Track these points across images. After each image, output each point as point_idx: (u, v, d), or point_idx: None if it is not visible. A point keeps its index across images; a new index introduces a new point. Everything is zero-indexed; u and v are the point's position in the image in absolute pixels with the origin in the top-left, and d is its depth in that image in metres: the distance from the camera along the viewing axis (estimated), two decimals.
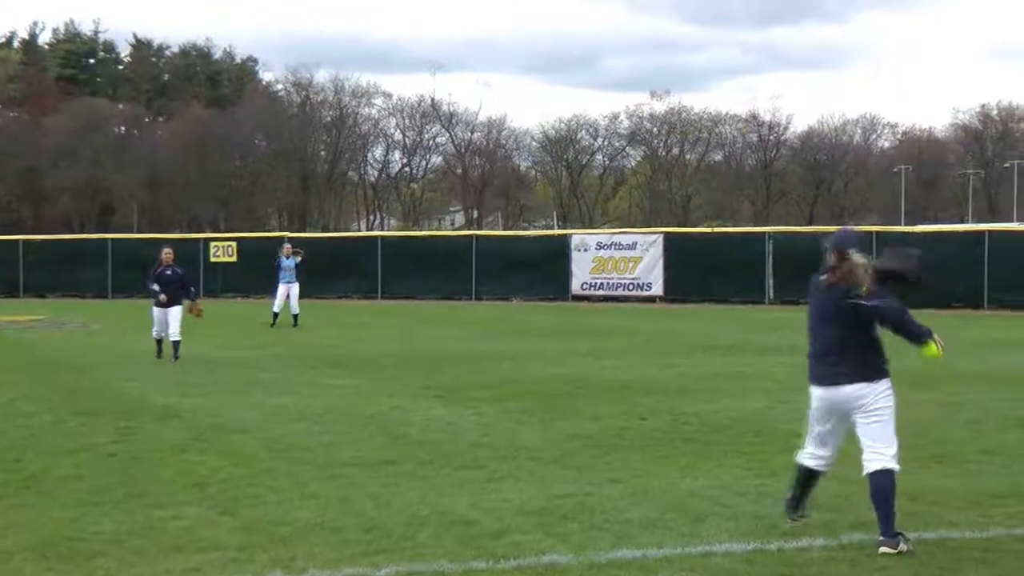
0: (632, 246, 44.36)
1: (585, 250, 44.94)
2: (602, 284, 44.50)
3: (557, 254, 45.37)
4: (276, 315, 30.08)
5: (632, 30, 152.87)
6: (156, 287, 22.00)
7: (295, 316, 30.00)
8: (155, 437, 12.31)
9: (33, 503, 9.15)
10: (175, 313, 21.80)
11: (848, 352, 7.88)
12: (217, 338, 26.53)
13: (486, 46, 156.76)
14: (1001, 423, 13.20)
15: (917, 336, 8.08)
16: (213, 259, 48.67)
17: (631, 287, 43.93)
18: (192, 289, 22.79)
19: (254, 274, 43.81)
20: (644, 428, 12.87)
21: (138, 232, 76.35)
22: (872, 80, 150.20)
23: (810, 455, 8.22)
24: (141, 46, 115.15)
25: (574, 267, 44.83)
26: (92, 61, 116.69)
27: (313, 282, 43.43)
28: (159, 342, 22.01)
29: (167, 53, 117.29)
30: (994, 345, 24.16)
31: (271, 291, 31.49)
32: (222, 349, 23.70)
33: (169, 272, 22.20)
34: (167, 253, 22.52)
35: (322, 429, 12.81)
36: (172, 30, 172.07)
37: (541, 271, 44.98)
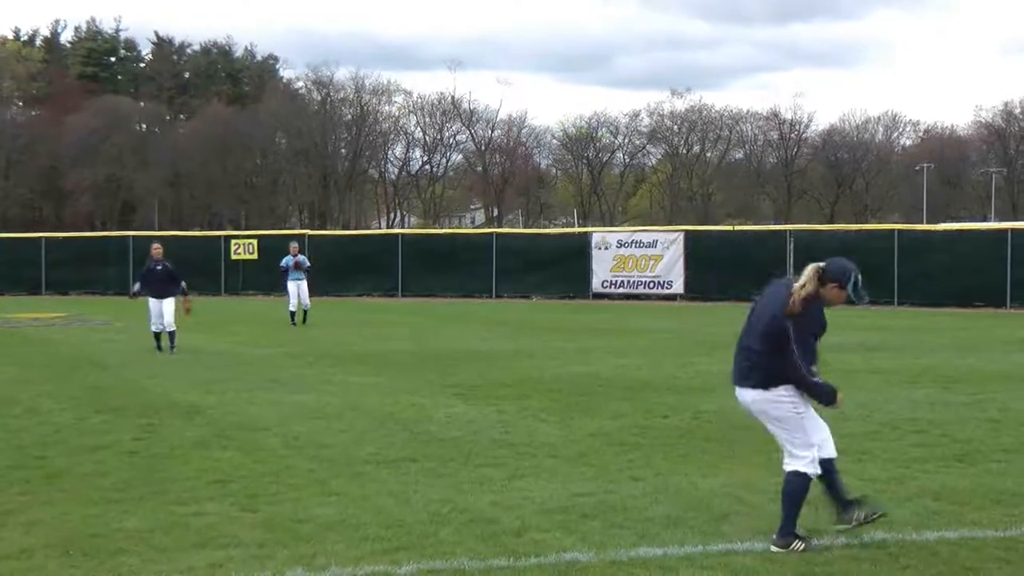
0: (652, 244, 44.31)
1: (605, 248, 44.91)
2: (622, 282, 44.48)
3: (577, 252, 45.38)
4: (293, 313, 30.18)
5: (646, 27, 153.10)
6: (137, 287, 23.49)
7: (305, 312, 30.32)
8: (177, 434, 12.35)
9: (56, 500, 9.19)
10: (169, 305, 22.78)
11: None
12: (238, 336, 26.64)
13: (500, 44, 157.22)
14: (1023, 422, 13.13)
15: None
16: (234, 257, 48.85)
17: (651, 285, 43.90)
18: (182, 284, 23.30)
19: (275, 272, 43.99)
20: (665, 426, 12.86)
21: (159, 230, 76.65)
22: (888, 77, 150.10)
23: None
24: (162, 44, 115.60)
25: (594, 265, 44.82)
26: (113, 59, 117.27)
27: (333, 280, 43.66)
28: (158, 335, 22.85)
29: (188, 51, 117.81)
30: (1017, 344, 24.05)
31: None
32: (243, 347, 23.76)
33: (159, 267, 23.18)
34: (156, 248, 23.72)
35: (343, 426, 12.84)
36: (193, 28, 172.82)
37: (561, 269, 44.99)
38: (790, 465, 7.76)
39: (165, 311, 22.68)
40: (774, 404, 7.76)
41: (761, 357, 7.74)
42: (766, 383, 7.75)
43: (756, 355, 7.77)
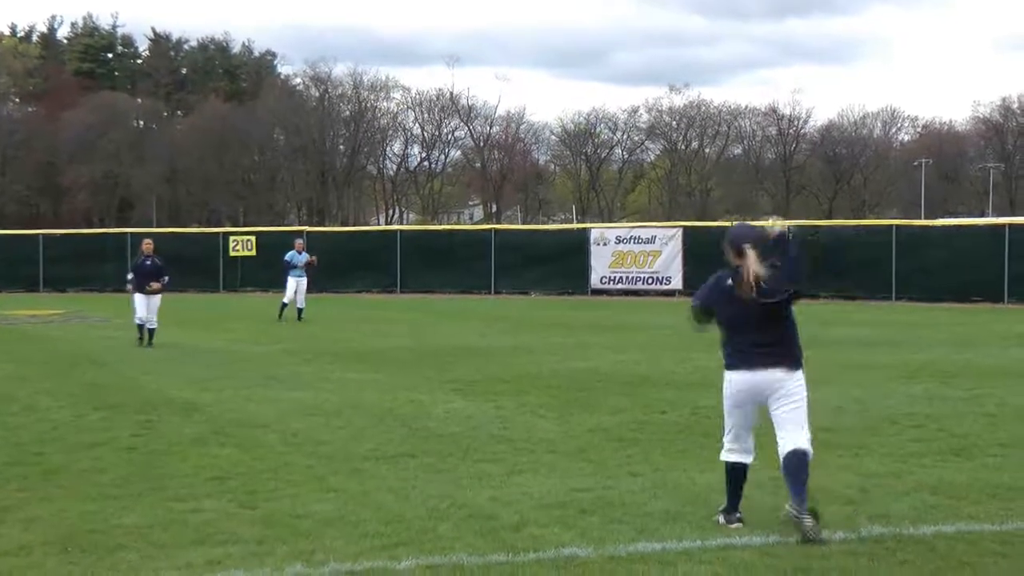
0: (651, 240, 44.31)
1: (604, 244, 44.90)
2: (621, 278, 44.48)
3: (576, 248, 45.37)
4: (284, 306, 30.22)
5: (642, 23, 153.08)
6: (130, 276, 23.79)
7: (300, 310, 30.24)
8: (175, 431, 12.35)
9: (54, 496, 9.19)
10: (155, 301, 23.22)
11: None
12: (236, 332, 26.64)
13: (498, 40, 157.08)
14: (1019, 416, 13.15)
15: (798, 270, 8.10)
16: (232, 253, 48.84)
17: (650, 281, 43.90)
18: (165, 277, 23.59)
19: (273, 268, 44.01)
20: (663, 422, 12.87)
21: (157, 226, 76.63)
22: (886, 73, 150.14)
23: (740, 448, 8.28)
24: (159, 40, 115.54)
25: (593, 261, 44.82)
26: (110, 55, 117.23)
27: (332, 276, 43.63)
28: (141, 327, 23.21)
29: (185, 47, 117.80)
30: (1014, 339, 24.07)
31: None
32: (241, 343, 23.76)
33: (148, 263, 23.60)
34: (147, 243, 24.12)
35: (341, 423, 12.84)
36: (190, 24, 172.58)
37: (560, 265, 44.98)
38: (802, 444, 7.99)
39: (151, 307, 23.12)
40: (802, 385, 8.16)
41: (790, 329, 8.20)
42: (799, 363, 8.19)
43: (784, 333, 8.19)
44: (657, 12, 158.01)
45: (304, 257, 30.66)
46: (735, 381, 8.17)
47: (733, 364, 8.20)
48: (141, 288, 23.23)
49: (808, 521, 7.63)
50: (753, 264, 7.89)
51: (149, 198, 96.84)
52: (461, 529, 8.06)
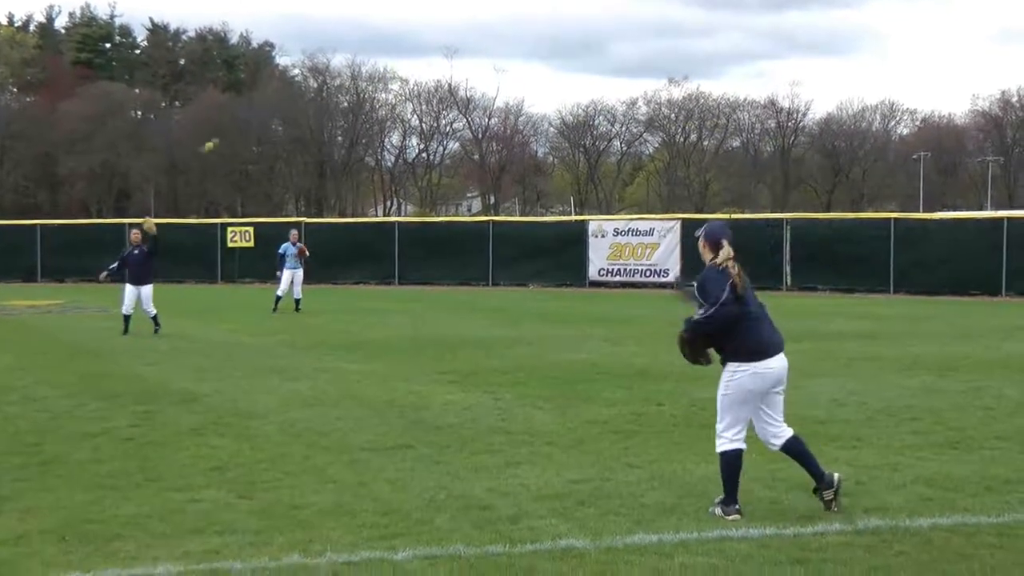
0: (649, 232, 44.29)
1: (602, 236, 44.89)
2: (619, 270, 44.47)
3: (574, 240, 45.35)
4: (279, 299, 30.09)
5: (640, 15, 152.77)
6: (114, 267, 24.11)
7: (297, 301, 30.16)
8: (173, 421, 12.37)
9: (52, 486, 9.21)
10: (146, 291, 23.37)
11: None
12: (234, 323, 26.64)
13: (496, 32, 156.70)
14: (1016, 409, 13.18)
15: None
16: (230, 244, 48.79)
17: (648, 273, 43.88)
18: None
19: (271, 259, 43.98)
20: (661, 414, 12.89)
21: (155, 217, 76.40)
22: (885, 66, 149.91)
23: (742, 437, 8.41)
24: (157, 30, 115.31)
25: (591, 253, 44.80)
26: (108, 45, 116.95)
27: (330, 268, 43.63)
28: (127, 319, 23.37)
29: (183, 37, 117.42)
30: (1011, 332, 24.10)
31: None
32: (239, 334, 23.76)
33: (137, 252, 23.74)
34: (135, 234, 24.28)
35: (339, 414, 12.86)
36: (188, 14, 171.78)
37: (558, 257, 44.95)
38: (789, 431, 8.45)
39: (143, 297, 23.31)
40: None
41: None
42: None
43: None
44: (655, 3, 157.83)
45: (296, 248, 30.53)
46: (774, 368, 8.30)
47: (771, 351, 8.31)
48: (133, 280, 23.37)
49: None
50: (731, 255, 8.49)
51: (147, 188, 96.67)
52: (459, 520, 8.08)
